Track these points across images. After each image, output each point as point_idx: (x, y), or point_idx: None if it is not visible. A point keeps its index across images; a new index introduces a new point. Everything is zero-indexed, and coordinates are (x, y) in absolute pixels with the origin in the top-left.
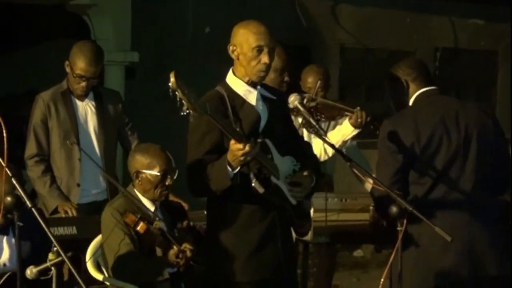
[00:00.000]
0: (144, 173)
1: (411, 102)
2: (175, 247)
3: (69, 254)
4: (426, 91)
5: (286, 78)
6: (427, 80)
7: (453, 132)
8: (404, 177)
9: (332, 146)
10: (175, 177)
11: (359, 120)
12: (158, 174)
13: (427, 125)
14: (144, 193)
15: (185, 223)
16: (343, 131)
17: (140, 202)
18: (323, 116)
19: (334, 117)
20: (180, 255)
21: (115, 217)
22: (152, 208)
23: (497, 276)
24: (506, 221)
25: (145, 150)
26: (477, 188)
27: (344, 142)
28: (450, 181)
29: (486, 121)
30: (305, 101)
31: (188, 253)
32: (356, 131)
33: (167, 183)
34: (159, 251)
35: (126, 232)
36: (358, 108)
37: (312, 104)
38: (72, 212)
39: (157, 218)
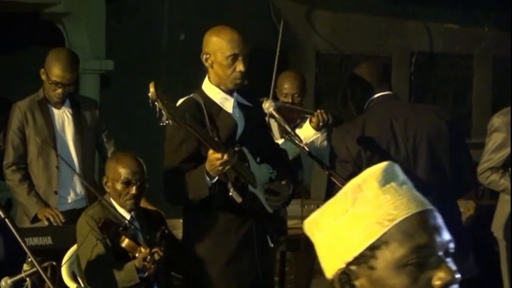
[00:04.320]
0: (110, 181)
1: (365, 107)
2: (143, 250)
3: (44, 264)
4: (382, 96)
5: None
6: (384, 85)
7: (401, 139)
8: None
9: (309, 154)
10: (146, 186)
11: (320, 123)
12: (120, 183)
13: (375, 133)
14: (115, 201)
15: (161, 230)
16: (304, 134)
17: (115, 209)
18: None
19: (295, 120)
20: (148, 258)
21: (90, 224)
22: (127, 216)
23: None
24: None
25: (113, 159)
26: (430, 195)
27: (307, 145)
28: None
29: (439, 125)
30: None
31: (156, 256)
32: (318, 134)
33: (132, 193)
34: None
35: (99, 238)
36: (319, 111)
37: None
38: (56, 219)
39: (130, 225)
